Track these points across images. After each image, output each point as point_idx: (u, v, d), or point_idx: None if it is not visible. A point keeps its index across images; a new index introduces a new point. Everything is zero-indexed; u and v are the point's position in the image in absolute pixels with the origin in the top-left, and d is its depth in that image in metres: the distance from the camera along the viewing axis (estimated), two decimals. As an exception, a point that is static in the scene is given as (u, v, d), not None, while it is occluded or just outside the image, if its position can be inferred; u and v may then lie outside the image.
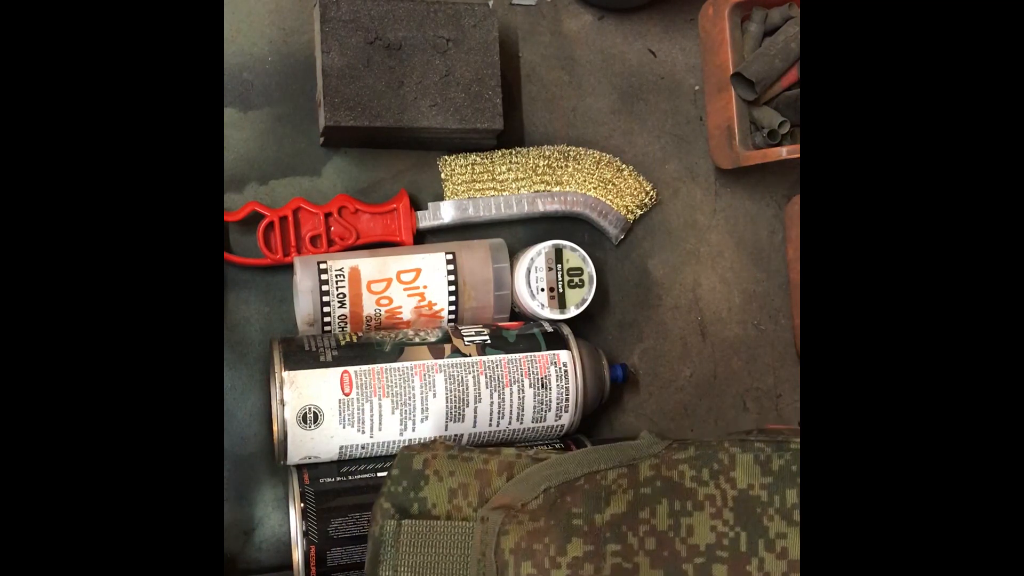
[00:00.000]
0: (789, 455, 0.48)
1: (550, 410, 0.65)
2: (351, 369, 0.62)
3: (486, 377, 0.64)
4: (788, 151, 0.71)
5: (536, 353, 0.65)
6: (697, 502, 0.46)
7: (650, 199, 0.77)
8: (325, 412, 0.61)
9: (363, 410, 0.61)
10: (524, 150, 0.74)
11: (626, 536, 0.45)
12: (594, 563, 0.45)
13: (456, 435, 0.64)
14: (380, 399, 0.62)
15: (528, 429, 0.66)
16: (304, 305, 0.66)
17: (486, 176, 0.72)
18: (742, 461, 0.47)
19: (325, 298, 0.66)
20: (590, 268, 0.70)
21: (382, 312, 0.67)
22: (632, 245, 0.77)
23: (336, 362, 0.62)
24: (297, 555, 0.61)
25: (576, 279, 0.70)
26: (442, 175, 0.72)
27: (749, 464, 0.47)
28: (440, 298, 0.68)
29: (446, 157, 0.73)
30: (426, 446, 0.52)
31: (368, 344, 0.64)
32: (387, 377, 0.62)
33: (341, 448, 0.62)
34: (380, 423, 0.62)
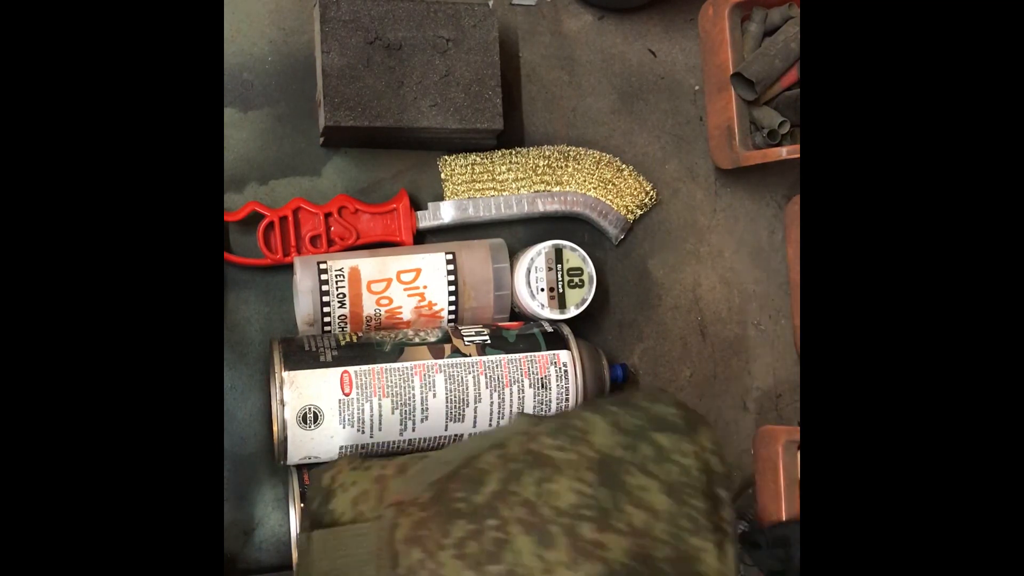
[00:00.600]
0: (638, 412, 0.50)
1: (550, 410, 0.65)
2: (351, 369, 0.62)
3: (486, 377, 0.64)
4: (788, 151, 0.71)
5: (536, 353, 0.65)
6: (557, 468, 0.48)
7: (650, 199, 0.77)
8: (325, 412, 0.61)
9: (363, 410, 0.61)
10: (524, 150, 0.74)
11: (499, 509, 0.47)
12: (477, 540, 0.47)
13: (456, 435, 0.64)
14: (380, 399, 0.62)
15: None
16: (304, 305, 0.66)
17: (486, 176, 0.72)
18: (597, 425, 0.50)
19: (325, 298, 0.66)
20: (590, 268, 0.70)
21: (382, 312, 0.67)
22: (632, 245, 0.77)
23: (336, 362, 0.62)
24: (297, 555, 0.61)
25: (576, 279, 0.70)
26: (442, 175, 0.72)
27: (604, 427, 0.50)
28: (440, 298, 0.68)
29: (446, 157, 0.73)
30: (332, 464, 0.56)
31: (368, 344, 0.64)
32: (387, 377, 0.62)
33: (341, 448, 0.62)
34: (380, 423, 0.62)
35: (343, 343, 0.63)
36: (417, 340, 0.64)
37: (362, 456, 0.58)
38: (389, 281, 0.67)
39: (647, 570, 0.46)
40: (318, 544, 0.51)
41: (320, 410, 0.61)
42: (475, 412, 0.63)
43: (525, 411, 0.55)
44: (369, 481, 0.53)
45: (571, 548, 0.46)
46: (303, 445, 0.61)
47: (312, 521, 0.53)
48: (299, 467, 0.63)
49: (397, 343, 0.64)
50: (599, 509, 0.47)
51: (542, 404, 0.65)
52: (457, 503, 0.48)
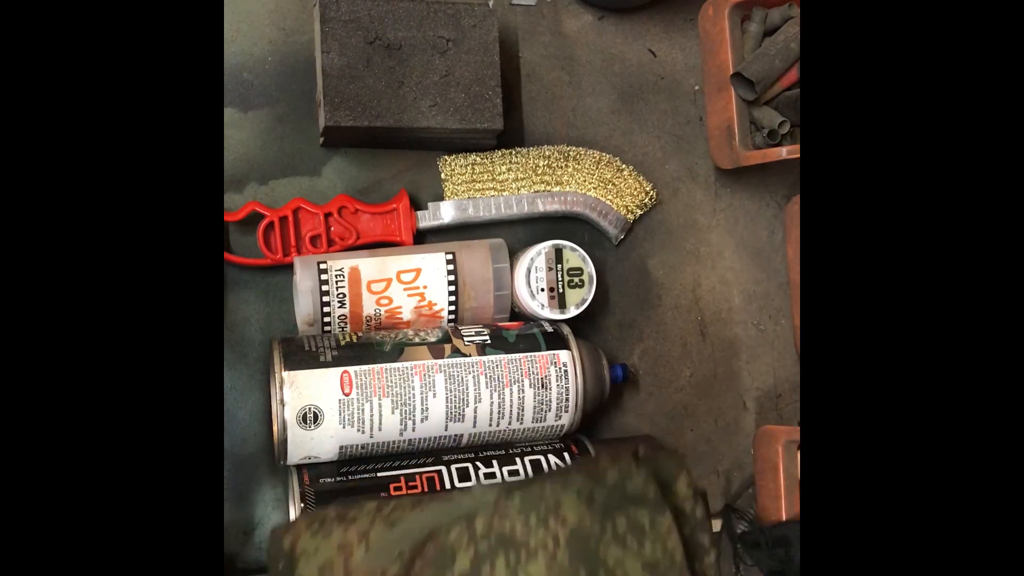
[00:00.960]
0: (607, 489, 0.49)
1: (550, 410, 0.65)
2: (351, 369, 0.62)
3: (486, 377, 0.64)
4: (788, 151, 0.71)
5: (536, 353, 0.65)
6: (531, 552, 0.47)
7: (650, 199, 0.77)
8: (325, 412, 0.61)
9: (363, 410, 0.61)
10: (524, 150, 0.74)
11: None
12: None
13: (456, 435, 0.64)
14: (380, 399, 0.62)
15: (528, 429, 0.66)
16: (304, 305, 0.66)
17: (486, 176, 0.72)
18: (567, 501, 0.48)
19: (325, 298, 0.66)
20: (590, 268, 0.70)
21: (382, 312, 0.67)
22: (632, 245, 0.77)
23: (336, 362, 0.62)
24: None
25: (576, 279, 0.70)
26: (442, 175, 0.72)
27: (573, 502, 0.48)
28: (440, 298, 0.68)
29: (446, 157, 0.73)
30: (288, 527, 0.53)
31: (368, 344, 0.64)
32: (387, 377, 0.62)
33: (341, 448, 0.62)
34: (380, 423, 0.62)
35: (343, 343, 0.63)
36: (417, 340, 0.64)
37: (319, 510, 0.55)
38: (389, 281, 0.67)
39: None
40: None
41: (320, 410, 0.61)
42: (475, 412, 0.63)
43: (483, 482, 0.54)
44: (332, 550, 0.51)
45: None
46: (303, 445, 0.61)
47: None
48: (299, 467, 0.63)
49: (397, 343, 0.64)
50: None
51: (542, 404, 0.65)
52: None
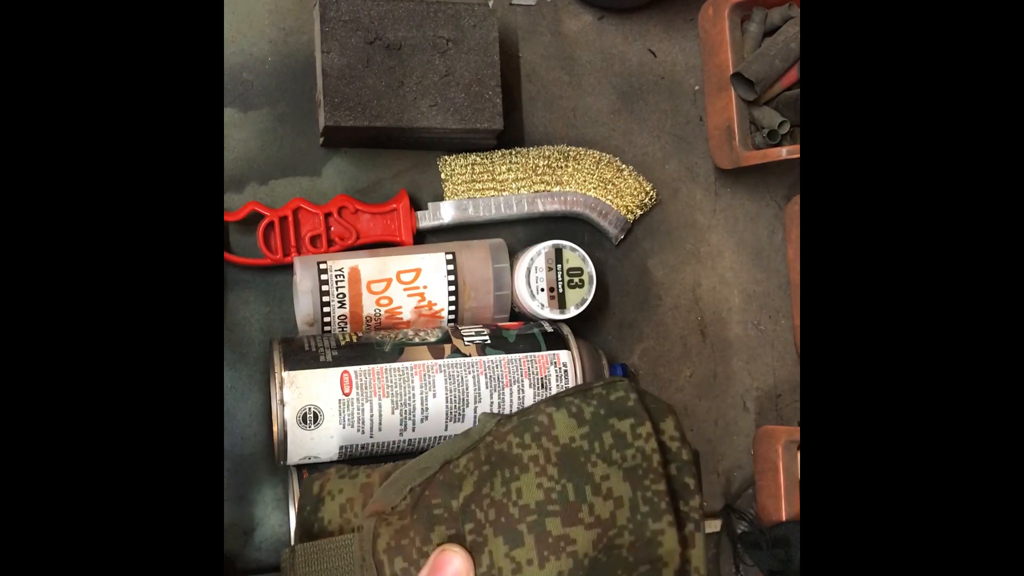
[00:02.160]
0: (596, 401, 0.50)
1: (550, 410, 0.65)
2: (351, 369, 0.62)
3: (486, 377, 0.64)
4: (788, 151, 0.71)
5: (536, 353, 0.65)
6: (523, 465, 0.48)
7: (650, 199, 0.77)
8: (325, 412, 0.61)
9: (363, 410, 0.61)
10: (524, 150, 0.74)
11: (475, 513, 0.48)
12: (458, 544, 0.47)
13: (455, 435, 0.64)
14: (380, 399, 0.62)
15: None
16: (304, 305, 0.66)
17: (486, 176, 0.72)
18: (559, 418, 0.49)
19: (325, 298, 0.66)
20: (590, 268, 0.70)
21: (382, 312, 0.67)
22: (632, 245, 0.77)
23: (336, 362, 0.62)
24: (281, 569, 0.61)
25: (576, 279, 0.70)
26: (442, 175, 0.72)
27: (565, 419, 0.49)
28: (440, 298, 0.68)
29: (446, 157, 0.73)
30: (322, 472, 0.56)
31: (368, 344, 0.64)
32: (387, 377, 0.62)
33: (341, 448, 0.62)
34: (380, 423, 0.62)
35: (343, 343, 0.63)
36: (417, 340, 0.64)
37: (351, 464, 0.58)
38: (389, 281, 0.67)
39: (611, 560, 0.46)
40: (301, 557, 0.51)
41: (320, 410, 0.61)
42: (475, 412, 0.63)
43: (487, 412, 0.56)
44: (355, 489, 0.54)
45: (539, 545, 0.46)
46: (303, 445, 0.61)
47: (303, 529, 0.54)
48: (299, 467, 0.63)
49: (397, 343, 0.64)
50: (565, 503, 0.47)
51: (542, 404, 0.65)
52: (436, 509, 0.48)
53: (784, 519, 0.71)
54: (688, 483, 0.49)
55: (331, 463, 0.63)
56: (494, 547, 0.47)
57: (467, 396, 0.63)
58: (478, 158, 0.73)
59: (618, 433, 0.49)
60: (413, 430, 0.63)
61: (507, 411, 0.64)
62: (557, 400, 0.50)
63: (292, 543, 0.61)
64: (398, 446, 0.63)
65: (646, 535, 0.46)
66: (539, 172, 0.73)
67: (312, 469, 0.63)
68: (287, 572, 0.51)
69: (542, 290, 0.69)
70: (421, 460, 0.52)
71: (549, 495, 0.47)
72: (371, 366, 0.62)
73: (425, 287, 0.67)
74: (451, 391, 0.63)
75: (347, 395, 0.61)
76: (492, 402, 0.63)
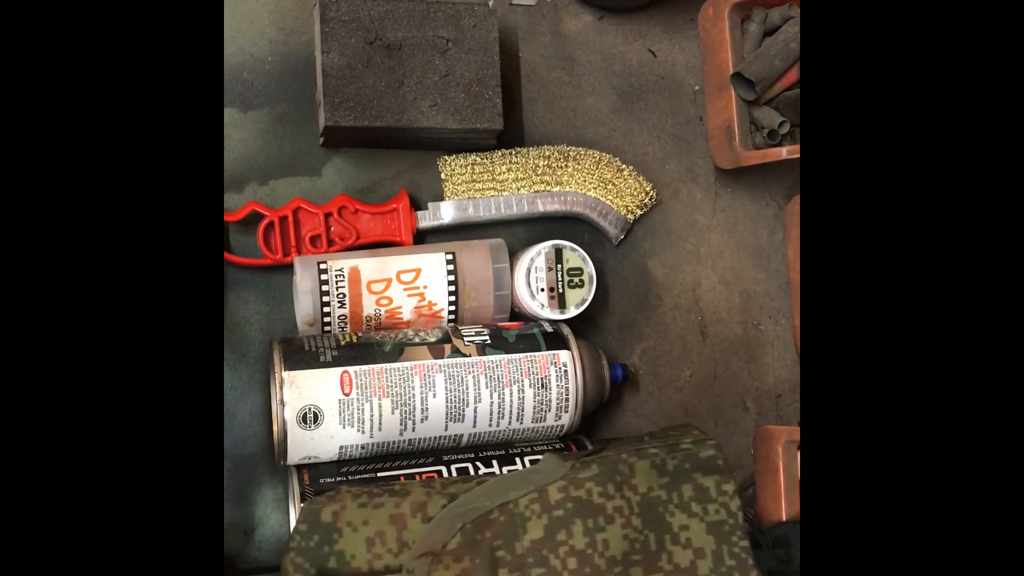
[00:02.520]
0: (680, 455, 0.51)
1: (550, 410, 0.65)
2: (351, 369, 0.62)
3: (486, 377, 0.64)
4: (788, 151, 0.71)
5: (536, 353, 0.65)
6: (608, 516, 0.49)
7: (650, 199, 0.77)
8: (325, 412, 0.61)
9: (363, 410, 0.61)
10: (524, 150, 0.74)
11: (548, 559, 0.47)
12: None
13: (456, 435, 0.64)
14: (380, 399, 0.62)
15: (528, 429, 0.66)
16: (304, 305, 0.66)
17: (486, 176, 0.72)
18: (640, 468, 0.51)
19: (325, 298, 0.66)
20: (590, 268, 0.70)
21: (382, 312, 0.67)
22: (632, 245, 0.77)
23: (336, 362, 0.62)
24: None
25: (576, 279, 0.70)
26: (442, 175, 0.72)
27: (647, 470, 0.51)
28: (440, 298, 0.68)
29: (446, 157, 0.73)
30: (332, 498, 0.51)
31: (368, 344, 0.64)
32: (387, 377, 0.62)
33: (341, 448, 0.62)
34: (380, 423, 0.62)
35: (343, 343, 0.63)
36: (417, 340, 0.64)
37: (365, 487, 0.54)
38: (389, 281, 0.67)
39: None
40: None
41: (320, 410, 0.61)
42: (475, 412, 0.63)
43: (550, 453, 0.55)
44: (383, 521, 0.50)
45: None
46: (303, 445, 0.61)
47: (313, 562, 0.49)
48: (299, 467, 0.63)
49: (397, 343, 0.64)
50: (646, 551, 0.48)
51: (542, 404, 0.65)
52: (498, 551, 0.48)
53: (784, 519, 0.71)
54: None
55: (338, 482, 0.61)
56: None
57: (467, 396, 0.63)
58: (478, 158, 0.73)
59: (700, 487, 0.50)
60: (413, 430, 0.63)
61: (508, 410, 0.64)
62: (639, 450, 0.51)
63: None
64: (398, 446, 0.63)
65: None
66: (539, 172, 0.73)
67: (312, 470, 0.63)
68: None
69: (542, 290, 0.69)
70: (471, 497, 0.50)
71: (633, 545, 0.48)
72: (371, 366, 0.62)
73: (425, 287, 0.67)
74: (451, 391, 0.63)
75: (347, 395, 0.61)
76: (492, 402, 0.63)
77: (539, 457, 0.65)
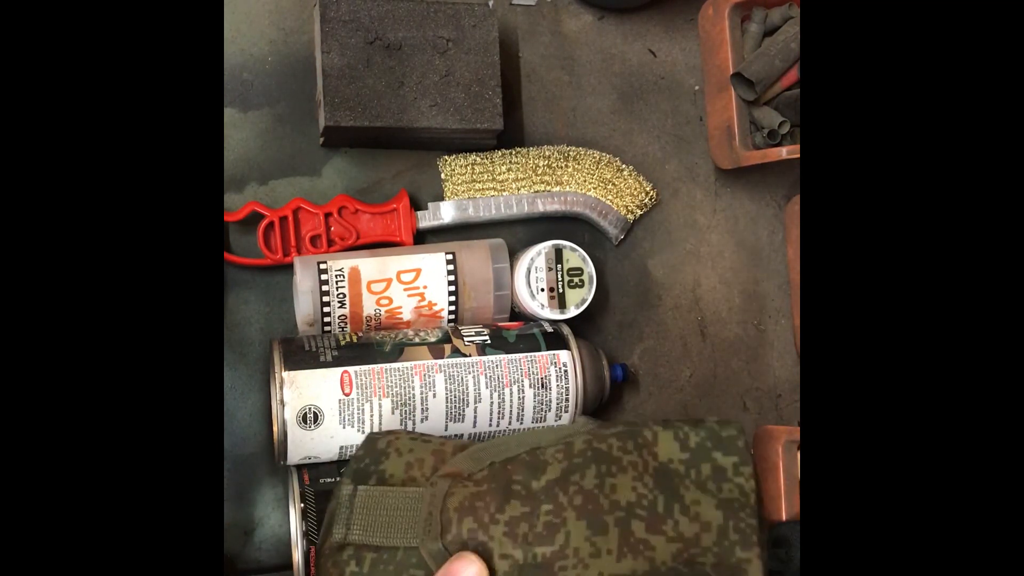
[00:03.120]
0: (705, 432, 0.52)
1: (550, 410, 0.65)
2: (351, 369, 0.62)
3: (486, 377, 0.64)
4: (788, 151, 0.71)
5: (536, 353, 0.65)
6: (622, 466, 0.50)
7: (650, 199, 0.77)
8: (325, 412, 0.61)
9: (363, 410, 0.61)
10: (524, 150, 0.74)
11: (557, 496, 0.49)
12: (528, 522, 0.49)
13: (456, 435, 0.64)
14: (380, 399, 0.62)
15: (528, 429, 0.66)
16: (304, 305, 0.66)
17: (486, 176, 0.72)
18: (664, 437, 0.52)
19: (325, 298, 0.66)
20: (590, 268, 0.70)
21: (382, 312, 0.67)
22: (632, 245, 0.77)
23: (336, 362, 0.62)
24: (297, 555, 0.61)
25: (576, 279, 0.70)
26: (442, 175, 0.72)
27: (669, 440, 0.52)
28: (440, 298, 0.68)
29: (446, 157, 0.73)
30: (391, 431, 0.57)
31: (368, 344, 0.64)
32: (387, 377, 0.62)
33: (341, 448, 0.62)
34: (380, 423, 0.62)
35: (343, 343, 0.63)
36: (417, 340, 0.64)
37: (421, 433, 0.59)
38: (389, 281, 0.67)
39: (693, 572, 0.48)
40: (363, 498, 0.52)
41: (320, 410, 0.61)
42: (475, 412, 0.63)
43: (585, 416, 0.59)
44: (426, 451, 0.54)
45: (621, 541, 0.48)
46: (303, 445, 0.61)
47: (356, 473, 0.54)
48: (299, 467, 0.63)
49: (397, 343, 0.64)
50: (653, 512, 0.49)
51: (542, 404, 0.65)
52: (514, 484, 0.50)
53: (784, 519, 0.71)
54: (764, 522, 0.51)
55: (338, 482, 0.63)
56: (574, 528, 0.48)
57: (467, 396, 0.63)
58: (478, 158, 0.73)
59: (718, 467, 0.51)
60: (413, 430, 0.63)
61: (508, 411, 0.64)
62: (666, 422, 0.53)
63: (297, 543, 0.61)
64: (398, 446, 0.63)
65: (732, 560, 0.49)
66: (539, 172, 0.73)
67: (312, 470, 0.63)
68: (343, 509, 0.52)
69: (542, 290, 0.69)
70: (505, 440, 0.54)
71: (640, 500, 0.49)
72: (371, 366, 0.62)
73: (425, 287, 0.67)
74: (451, 391, 0.63)
75: (347, 395, 0.61)
76: (492, 402, 0.63)
77: None
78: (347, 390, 0.61)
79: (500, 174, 0.72)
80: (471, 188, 0.72)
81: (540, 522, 0.49)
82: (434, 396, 0.62)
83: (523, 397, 0.64)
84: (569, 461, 0.51)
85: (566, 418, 0.66)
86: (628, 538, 0.48)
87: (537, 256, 0.69)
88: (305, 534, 0.60)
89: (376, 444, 0.55)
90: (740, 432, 0.52)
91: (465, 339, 0.65)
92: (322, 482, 0.62)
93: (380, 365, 0.62)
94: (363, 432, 0.62)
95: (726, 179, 0.80)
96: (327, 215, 0.69)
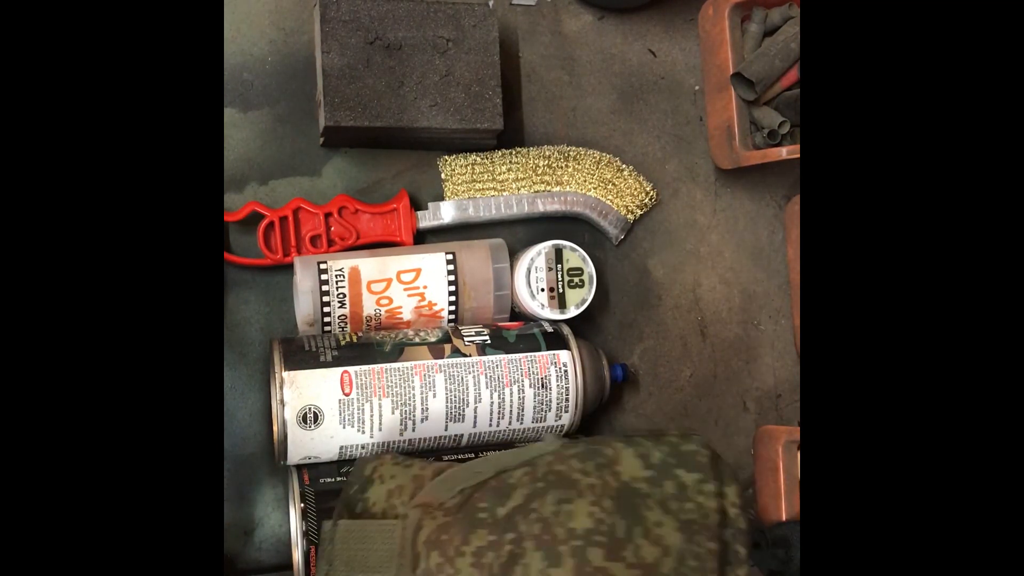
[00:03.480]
0: (667, 447, 0.51)
1: (550, 410, 0.65)
2: (351, 369, 0.62)
3: (486, 377, 0.64)
4: (788, 151, 0.71)
5: (536, 353, 0.65)
6: (579, 490, 0.49)
7: (650, 199, 0.77)
8: (325, 412, 0.61)
9: (363, 410, 0.61)
10: (524, 150, 0.74)
11: (518, 524, 0.48)
12: (494, 551, 0.48)
13: (456, 435, 0.64)
14: (380, 399, 0.62)
15: (528, 429, 0.66)
16: (304, 305, 0.66)
17: (486, 176, 0.72)
18: (626, 455, 0.50)
19: (325, 298, 0.66)
20: (590, 268, 0.70)
21: (382, 312, 0.67)
22: (632, 245, 0.77)
23: (336, 362, 0.62)
24: (297, 555, 0.61)
25: (576, 279, 0.70)
26: (442, 175, 0.72)
27: (631, 458, 0.50)
28: (440, 298, 0.68)
29: (446, 157, 0.73)
30: (377, 456, 0.57)
31: (368, 344, 0.64)
32: (387, 377, 0.62)
33: (341, 448, 0.62)
34: (380, 423, 0.62)
35: (343, 343, 0.63)
36: (417, 340, 0.64)
37: (407, 455, 0.59)
38: (389, 281, 0.67)
39: None
40: (343, 533, 0.52)
41: (320, 410, 0.61)
42: (475, 412, 0.63)
43: (557, 434, 0.57)
44: (406, 477, 0.55)
45: (576, 571, 0.46)
46: (303, 445, 0.61)
47: (346, 504, 0.55)
48: (299, 467, 0.63)
49: (397, 343, 0.64)
50: (612, 537, 0.47)
51: (542, 404, 0.65)
52: (480, 513, 0.49)
53: (784, 519, 0.71)
54: (739, 552, 0.49)
55: (338, 482, 0.63)
56: (531, 560, 0.47)
57: (467, 396, 0.63)
58: (478, 158, 0.73)
59: (681, 484, 0.49)
60: (413, 430, 0.63)
61: (508, 410, 0.64)
62: (629, 438, 0.51)
63: (297, 543, 0.61)
64: (398, 446, 0.63)
65: None
66: (539, 172, 0.73)
67: (312, 470, 0.63)
68: (326, 544, 0.52)
69: (542, 290, 0.69)
70: (476, 464, 0.53)
71: (598, 526, 0.48)
72: (371, 366, 0.62)
73: (425, 287, 0.67)
74: (451, 391, 0.63)
75: (347, 395, 0.61)
76: (492, 402, 0.63)
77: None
78: (347, 390, 0.61)
79: (500, 174, 0.72)
80: (471, 188, 0.72)
81: (504, 551, 0.48)
82: (434, 396, 0.62)
83: (523, 397, 0.64)
84: (533, 485, 0.50)
85: (566, 418, 0.66)
86: (584, 568, 0.46)
87: (537, 256, 0.69)
88: (305, 534, 0.60)
89: (364, 470, 0.56)
90: (702, 446, 0.51)
91: (465, 339, 0.65)
92: (322, 482, 0.62)
93: (380, 365, 0.62)
94: (363, 432, 0.62)
95: (726, 179, 0.80)
96: (327, 215, 0.69)
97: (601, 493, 0.49)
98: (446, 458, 0.64)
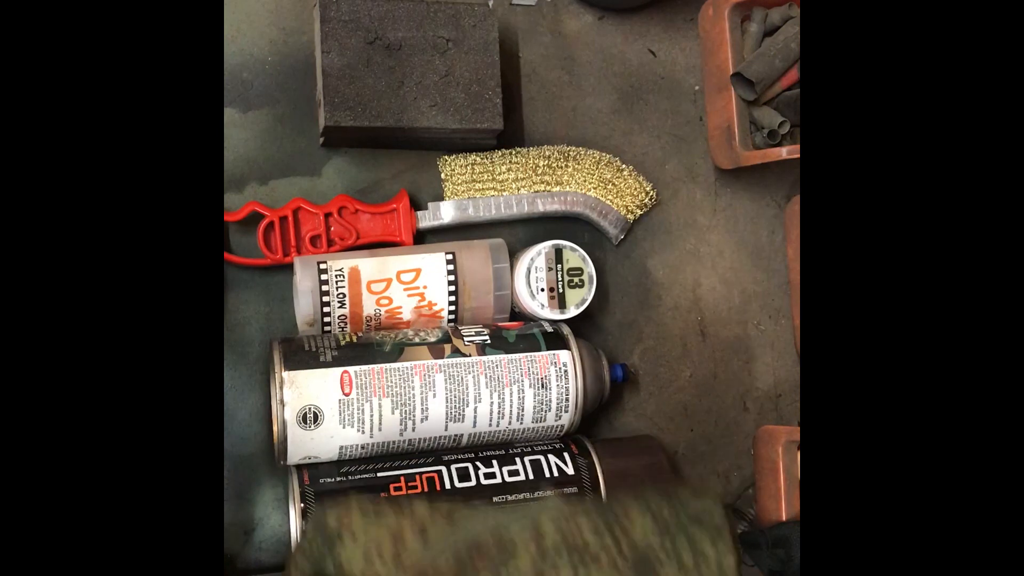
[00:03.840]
0: (678, 504, 0.50)
1: (550, 410, 0.65)
2: (351, 369, 0.62)
3: (486, 377, 0.64)
4: (788, 151, 0.71)
5: (536, 353, 0.65)
6: (594, 555, 0.48)
7: (650, 199, 0.77)
8: (325, 412, 0.61)
9: (363, 410, 0.61)
10: (524, 150, 0.74)
11: None
12: None
13: (456, 435, 0.64)
14: (380, 399, 0.62)
15: (528, 429, 0.66)
16: (304, 305, 0.66)
17: (486, 176, 0.72)
18: (636, 515, 0.49)
19: (325, 298, 0.66)
20: (590, 268, 0.70)
21: (382, 312, 0.67)
22: (632, 245, 0.77)
23: (336, 362, 0.62)
24: (297, 555, 0.61)
25: (576, 279, 0.70)
26: (442, 175, 0.72)
27: (642, 517, 0.49)
28: (440, 298, 0.68)
29: (446, 157, 0.73)
30: (339, 503, 0.52)
31: (368, 344, 0.64)
32: (387, 377, 0.62)
33: (341, 448, 0.62)
34: (380, 423, 0.62)
35: (343, 343, 0.63)
36: (417, 340, 0.64)
37: (371, 499, 0.55)
38: (389, 281, 0.67)
39: None
40: None
41: (320, 410, 0.61)
42: (475, 412, 0.63)
43: (557, 491, 0.56)
44: (383, 533, 0.50)
45: None
46: (303, 445, 0.61)
47: (312, 564, 0.50)
48: (299, 467, 0.63)
49: (397, 343, 0.64)
50: None
51: (542, 404, 0.65)
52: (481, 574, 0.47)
53: (784, 519, 0.71)
54: None
55: (338, 482, 0.62)
56: None
57: (467, 396, 0.63)
58: (478, 158, 0.73)
59: (696, 543, 0.49)
60: (413, 430, 0.63)
61: (508, 410, 0.64)
62: (639, 495, 0.50)
63: (295, 539, 0.61)
64: (398, 446, 0.63)
65: None
66: (539, 172, 0.73)
67: (312, 470, 0.63)
68: None
69: (542, 290, 0.69)
70: (469, 520, 0.51)
71: None
72: (371, 366, 0.62)
73: (425, 287, 0.67)
74: (451, 391, 0.63)
75: (347, 395, 0.61)
76: (492, 402, 0.63)
77: (539, 458, 0.65)
78: (347, 390, 0.61)
79: (500, 174, 0.72)
80: (471, 188, 0.72)
81: None
82: (434, 396, 0.62)
83: (523, 397, 0.64)
84: (537, 545, 0.48)
85: (566, 418, 0.66)
86: None
87: (537, 256, 0.69)
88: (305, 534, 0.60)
89: (326, 521, 0.51)
90: (715, 501, 0.50)
91: (465, 339, 0.65)
92: (322, 482, 0.62)
93: (380, 365, 0.62)
94: (363, 432, 0.62)
95: (726, 179, 0.80)
96: (327, 215, 0.69)
97: (616, 554, 0.48)
98: (445, 457, 0.64)
